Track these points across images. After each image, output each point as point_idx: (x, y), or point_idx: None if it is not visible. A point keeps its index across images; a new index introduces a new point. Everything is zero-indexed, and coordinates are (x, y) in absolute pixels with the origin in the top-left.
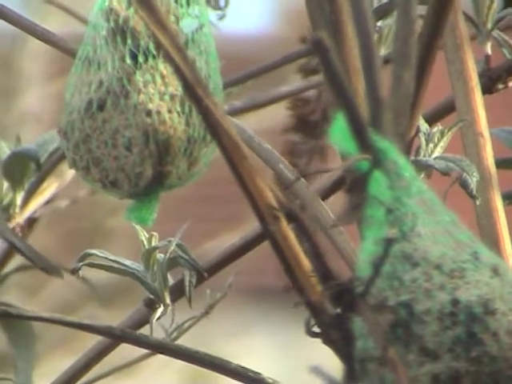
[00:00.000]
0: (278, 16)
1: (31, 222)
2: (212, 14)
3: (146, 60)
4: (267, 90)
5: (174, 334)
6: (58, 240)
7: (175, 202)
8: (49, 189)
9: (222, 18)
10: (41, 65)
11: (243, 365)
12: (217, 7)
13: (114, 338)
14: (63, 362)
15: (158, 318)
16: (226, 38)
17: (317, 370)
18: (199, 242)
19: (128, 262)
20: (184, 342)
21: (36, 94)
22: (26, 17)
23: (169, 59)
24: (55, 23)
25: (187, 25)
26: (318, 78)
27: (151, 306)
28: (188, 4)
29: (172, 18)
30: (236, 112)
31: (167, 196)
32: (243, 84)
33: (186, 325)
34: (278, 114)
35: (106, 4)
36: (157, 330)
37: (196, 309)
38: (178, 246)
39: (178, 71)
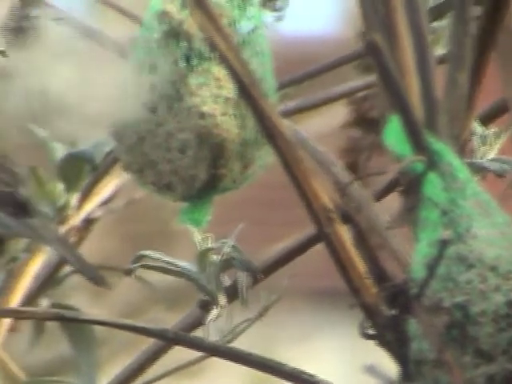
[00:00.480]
0: (344, 17)
1: (87, 223)
2: (270, 16)
3: (200, 63)
4: (324, 91)
5: (229, 337)
6: (121, 242)
7: (239, 205)
8: (104, 190)
9: (279, 20)
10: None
11: (305, 369)
12: (274, 9)
13: (168, 340)
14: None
15: (213, 320)
16: (291, 40)
17: (372, 370)
18: (261, 246)
19: (182, 264)
20: (246, 345)
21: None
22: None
23: (224, 60)
24: (120, 26)
25: (241, 27)
26: (374, 76)
27: (205, 307)
28: (242, 6)
29: (225, 21)
30: (291, 112)
31: (232, 198)
32: (300, 85)
33: (241, 327)
34: (339, 114)
35: (160, 7)
36: (212, 331)
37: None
38: (233, 247)
39: (232, 72)
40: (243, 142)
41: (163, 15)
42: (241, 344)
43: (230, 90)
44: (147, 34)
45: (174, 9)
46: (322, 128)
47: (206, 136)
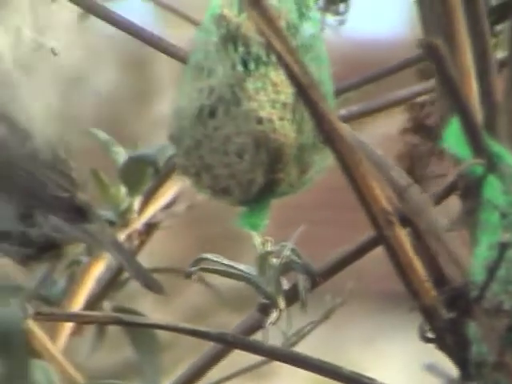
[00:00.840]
0: (409, 20)
1: (149, 227)
2: (332, 20)
3: (258, 67)
4: (385, 95)
5: (293, 340)
6: (191, 245)
7: (301, 207)
8: (167, 194)
9: (342, 23)
10: (173, 69)
11: (372, 372)
12: (337, 13)
13: (227, 344)
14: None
15: (273, 324)
16: (355, 43)
17: (433, 369)
18: (321, 249)
19: (242, 267)
20: (312, 349)
21: (168, 98)
22: (134, 21)
23: (282, 63)
24: (185, 30)
25: (299, 31)
26: (432, 81)
27: (265, 311)
28: (299, 10)
29: (283, 24)
30: (354, 117)
31: (294, 200)
32: (360, 89)
33: (305, 330)
34: (398, 120)
35: (218, 10)
36: (274, 335)
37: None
38: (292, 250)
39: (291, 75)
40: (301, 146)
41: (221, 19)
42: (307, 348)
43: (287, 94)
44: (205, 38)
45: (231, 12)
46: (381, 133)
47: (263, 141)
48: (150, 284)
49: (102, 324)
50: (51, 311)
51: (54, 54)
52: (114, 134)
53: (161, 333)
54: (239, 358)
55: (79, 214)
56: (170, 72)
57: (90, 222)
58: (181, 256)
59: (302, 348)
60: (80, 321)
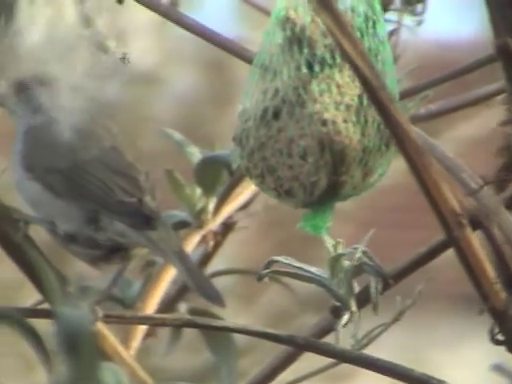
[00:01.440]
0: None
1: (225, 228)
2: (410, 20)
3: (322, 69)
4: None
5: (364, 342)
6: (271, 248)
7: (384, 210)
8: (243, 194)
9: (419, 24)
10: None
11: (451, 375)
12: (414, 14)
13: (297, 346)
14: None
15: (345, 326)
16: (435, 43)
17: (501, 369)
18: (394, 251)
19: (313, 269)
20: (390, 352)
21: None
22: (206, 25)
23: (353, 66)
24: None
25: (366, 33)
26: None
27: (337, 313)
28: (366, 13)
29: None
30: (432, 116)
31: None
32: (435, 88)
33: (375, 332)
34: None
35: (283, 13)
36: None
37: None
38: (364, 253)
39: (362, 78)
40: (364, 149)
41: (286, 21)
42: (385, 350)
43: (351, 96)
44: (270, 40)
45: (296, 15)
46: (475, 131)
47: (327, 143)
48: (211, 296)
49: (173, 326)
50: (121, 313)
51: (126, 61)
52: (193, 136)
53: (242, 336)
54: (317, 360)
55: (144, 219)
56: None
57: (154, 229)
58: (261, 258)
59: (379, 350)
60: (150, 323)
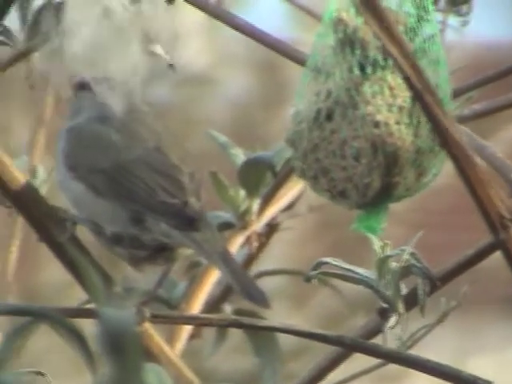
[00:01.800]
0: None
1: (269, 229)
2: (455, 21)
3: (375, 71)
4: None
5: (409, 343)
6: (323, 249)
7: (436, 212)
8: (287, 195)
9: (464, 24)
10: None
11: (499, 379)
12: (459, 14)
13: (345, 347)
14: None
15: (392, 327)
16: (481, 44)
17: None
18: (442, 253)
19: (361, 271)
20: (437, 354)
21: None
22: (256, 26)
23: (398, 67)
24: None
25: (417, 34)
26: None
27: (384, 314)
28: (418, 13)
29: (401, 28)
30: (476, 116)
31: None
32: (478, 89)
33: (420, 333)
34: None
35: (335, 14)
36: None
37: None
38: (411, 254)
39: (407, 79)
40: (417, 150)
41: (338, 23)
42: (434, 353)
43: (404, 98)
44: (323, 42)
45: (348, 16)
46: None
47: (380, 144)
48: (256, 297)
49: (219, 326)
50: (168, 313)
51: (174, 63)
52: (245, 138)
53: (294, 339)
54: (366, 361)
55: (188, 221)
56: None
57: (198, 230)
58: (314, 260)
59: (426, 353)
60: (196, 323)
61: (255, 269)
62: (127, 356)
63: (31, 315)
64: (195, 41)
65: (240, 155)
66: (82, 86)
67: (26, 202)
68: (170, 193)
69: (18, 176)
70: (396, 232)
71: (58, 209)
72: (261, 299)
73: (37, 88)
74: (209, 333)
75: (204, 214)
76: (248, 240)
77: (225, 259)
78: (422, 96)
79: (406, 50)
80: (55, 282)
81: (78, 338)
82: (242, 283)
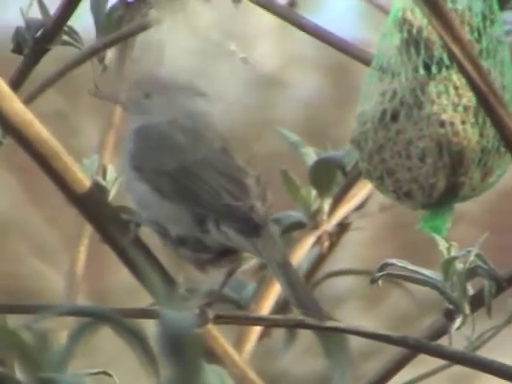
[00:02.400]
0: None
1: (340, 229)
2: None
3: (440, 71)
4: None
5: (476, 344)
6: (396, 250)
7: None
8: (358, 195)
9: None
10: None
11: None
12: None
13: (409, 347)
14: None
15: (458, 329)
16: None
17: None
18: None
19: (427, 272)
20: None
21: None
22: (323, 27)
23: (461, 68)
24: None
25: (483, 35)
26: None
27: (450, 316)
28: (484, 14)
29: (467, 29)
30: None
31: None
32: None
33: (487, 335)
34: None
35: (400, 14)
36: (459, 340)
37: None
38: (477, 256)
39: (470, 81)
40: (483, 149)
41: (403, 22)
42: (502, 355)
43: (469, 98)
44: (388, 42)
45: (413, 16)
46: None
47: (445, 144)
48: (312, 310)
49: (284, 327)
50: (233, 314)
51: (245, 62)
52: (316, 139)
53: (367, 340)
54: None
55: (251, 225)
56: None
57: (260, 236)
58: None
59: (495, 354)
60: (262, 324)
61: (326, 269)
62: (186, 357)
63: (91, 316)
64: (266, 42)
65: (311, 155)
66: (152, 88)
67: (88, 203)
68: (234, 196)
69: (81, 177)
70: (468, 233)
71: (122, 210)
72: (316, 312)
73: (104, 88)
74: (279, 333)
75: (268, 219)
76: (319, 240)
77: (283, 269)
78: (485, 98)
79: (469, 50)
80: (125, 283)
81: (138, 339)
82: (298, 296)
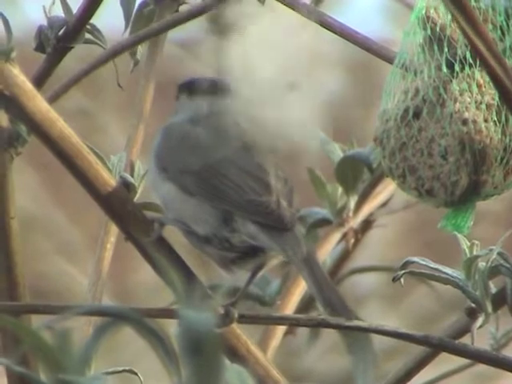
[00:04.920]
0: None
1: (365, 226)
2: None
3: (463, 69)
4: None
5: (502, 342)
6: (419, 249)
7: None
8: (383, 192)
9: None
10: None
11: None
12: None
13: (432, 346)
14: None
15: (480, 327)
16: None
17: None
18: None
19: (449, 271)
20: None
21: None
22: (347, 25)
23: (486, 66)
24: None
25: (508, 33)
26: None
27: (473, 314)
28: (508, 12)
29: (490, 27)
30: None
31: None
32: None
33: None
34: None
35: (423, 12)
36: (481, 338)
37: None
38: (500, 254)
39: (494, 79)
40: (505, 148)
41: (426, 20)
42: None
43: (492, 96)
44: (411, 40)
45: (437, 14)
46: None
47: (468, 142)
48: (338, 308)
49: (307, 327)
50: (255, 314)
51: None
52: (342, 135)
53: (391, 338)
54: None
55: (277, 221)
56: None
57: (285, 234)
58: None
59: None
60: (284, 323)
61: (350, 265)
62: (207, 357)
63: (111, 316)
64: (290, 40)
65: (337, 152)
66: (186, 87)
67: (113, 201)
68: (257, 192)
69: (105, 175)
70: (490, 232)
71: (148, 208)
72: (343, 310)
73: (130, 86)
74: (303, 331)
75: (294, 218)
76: (345, 236)
77: (309, 268)
78: (509, 95)
79: (493, 48)
80: (150, 282)
81: (159, 339)
82: (325, 295)
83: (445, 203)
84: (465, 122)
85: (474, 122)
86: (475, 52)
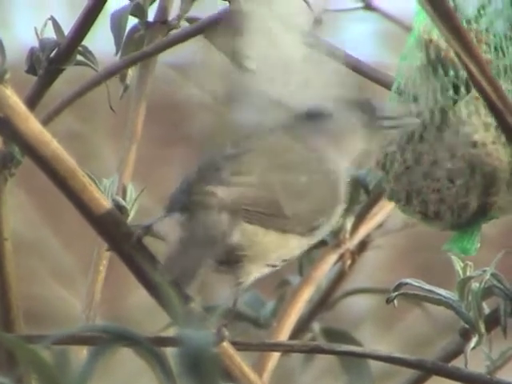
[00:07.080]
0: None
1: (362, 246)
2: None
3: (468, 90)
4: None
5: (497, 364)
6: (413, 272)
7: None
8: (380, 214)
9: None
10: None
11: None
12: None
13: (426, 370)
14: None
15: (473, 348)
16: None
17: None
18: None
19: (442, 292)
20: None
21: None
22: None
23: (478, 88)
24: None
25: (504, 52)
26: None
27: (466, 335)
28: (506, 33)
29: (483, 48)
30: None
31: None
32: None
33: (506, 355)
34: None
35: (423, 35)
36: (474, 360)
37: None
38: (493, 275)
39: (488, 101)
40: None
41: (428, 43)
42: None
43: None
44: (409, 63)
45: (438, 37)
46: None
47: (478, 164)
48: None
49: (301, 352)
50: (248, 341)
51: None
52: None
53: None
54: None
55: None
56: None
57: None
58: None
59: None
60: (277, 350)
61: (345, 287)
62: (205, 377)
63: (111, 335)
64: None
65: None
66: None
67: (106, 223)
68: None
69: (99, 196)
70: (485, 255)
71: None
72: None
73: (121, 108)
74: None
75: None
76: (341, 258)
77: None
78: (503, 118)
79: (487, 70)
80: (143, 306)
81: (157, 358)
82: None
83: (451, 226)
84: (474, 144)
85: (484, 144)
86: (468, 74)
